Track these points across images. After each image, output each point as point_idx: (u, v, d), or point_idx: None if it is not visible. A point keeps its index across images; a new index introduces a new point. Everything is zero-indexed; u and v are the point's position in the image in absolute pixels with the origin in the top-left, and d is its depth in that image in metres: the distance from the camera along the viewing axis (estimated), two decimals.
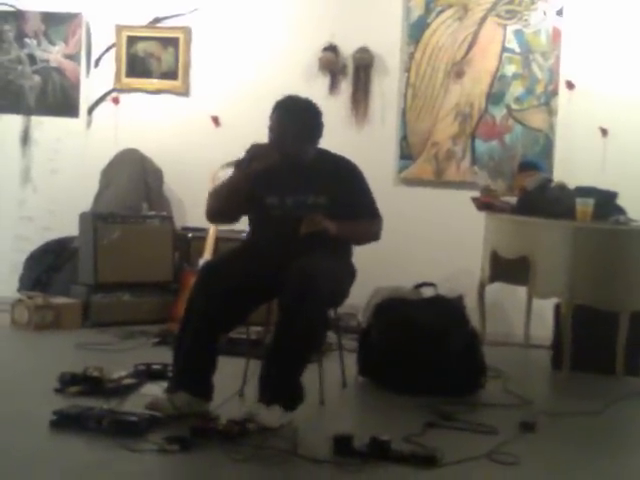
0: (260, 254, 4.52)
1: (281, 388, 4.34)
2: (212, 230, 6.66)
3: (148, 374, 4.98)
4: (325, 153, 4.72)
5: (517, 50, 7.05)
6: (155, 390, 4.66)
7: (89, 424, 4.06)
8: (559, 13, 6.96)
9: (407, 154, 7.21)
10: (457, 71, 7.16)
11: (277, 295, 4.47)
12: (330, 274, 4.37)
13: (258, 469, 3.74)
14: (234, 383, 4.74)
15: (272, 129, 4.59)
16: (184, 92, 7.55)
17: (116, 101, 7.62)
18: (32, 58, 7.70)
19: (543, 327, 6.24)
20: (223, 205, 4.64)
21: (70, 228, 7.06)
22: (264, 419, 4.19)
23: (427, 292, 5.59)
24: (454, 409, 4.61)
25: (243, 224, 4.88)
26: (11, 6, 7.68)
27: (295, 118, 4.58)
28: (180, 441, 3.91)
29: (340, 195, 4.56)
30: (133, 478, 3.63)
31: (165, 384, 4.60)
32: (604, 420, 4.76)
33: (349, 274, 4.65)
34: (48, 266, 7.17)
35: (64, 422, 4.11)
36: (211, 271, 4.52)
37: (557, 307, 5.70)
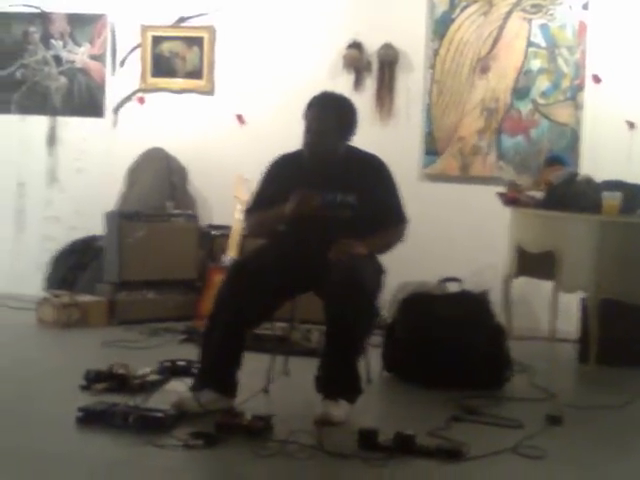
0: (288, 251, 4.51)
1: (345, 382, 4.40)
2: (236, 227, 6.67)
3: (173, 371, 4.98)
4: (354, 150, 4.69)
5: (543, 45, 7.00)
6: (180, 387, 4.66)
7: (115, 421, 4.07)
8: (585, 7, 6.90)
9: (432, 150, 7.18)
10: (482, 66, 7.13)
11: (313, 291, 4.53)
12: (368, 268, 4.40)
13: (283, 464, 3.74)
14: (259, 379, 4.74)
15: (309, 127, 4.55)
16: (209, 91, 7.56)
17: (141, 101, 7.65)
18: (58, 59, 7.75)
19: (569, 321, 6.19)
20: (265, 234, 4.78)
21: (96, 227, 7.10)
22: (338, 416, 4.24)
23: (452, 287, 5.57)
24: (479, 403, 4.59)
25: None
26: (37, 8, 7.73)
27: (332, 115, 4.55)
28: (205, 437, 3.91)
29: (368, 195, 4.54)
30: (159, 474, 3.64)
31: (190, 380, 4.61)
32: (630, 413, 4.73)
33: (380, 270, 4.63)
34: (74, 265, 7.22)
35: (90, 419, 4.12)
36: (240, 268, 4.53)
37: (583, 301, 5.67)
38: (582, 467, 3.90)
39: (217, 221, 7.26)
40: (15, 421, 4.23)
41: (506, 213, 6.17)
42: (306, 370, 4.68)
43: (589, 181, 5.86)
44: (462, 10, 7.14)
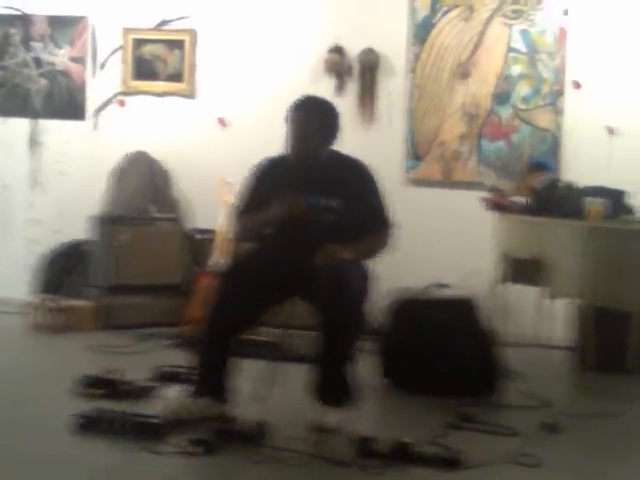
0: (276, 256, 4.52)
1: (339, 388, 4.42)
2: (220, 231, 6.66)
3: (167, 376, 4.99)
4: (337, 154, 4.70)
5: (523, 50, 7.05)
6: (175, 393, 4.68)
7: (111, 427, 4.07)
8: (565, 13, 6.96)
9: (414, 154, 7.21)
10: (463, 71, 7.16)
11: (299, 296, 4.55)
12: (354, 273, 4.41)
13: (281, 471, 3.76)
14: (252, 385, 4.76)
15: (292, 131, 4.56)
16: (190, 94, 7.55)
17: (122, 104, 7.62)
18: (38, 61, 7.70)
19: (559, 327, 6.25)
20: (254, 238, 4.72)
21: (80, 230, 7.08)
22: (331, 422, 4.26)
23: (440, 293, 5.59)
24: (474, 411, 4.62)
25: None
26: (17, 10, 7.68)
27: (315, 119, 4.56)
28: (205, 444, 3.93)
29: (352, 199, 4.55)
30: None
31: (184, 386, 4.62)
32: (625, 421, 4.77)
33: (366, 275, 4.62)
34: (60, 269, 7.19)
35: (86, 425, 4.13)
36: (232, 273, 4.54)
37: (573, 308, 5.69)
38: (578, 475, 3.94)
39: (200, 224, 7.23)
40: (8, 425, 4.24)
41: (490, 218, 6.20)
42: (298, 376, 4.71)
43: (570, 187, 5.90)
44: (443, 15, 7.17)
